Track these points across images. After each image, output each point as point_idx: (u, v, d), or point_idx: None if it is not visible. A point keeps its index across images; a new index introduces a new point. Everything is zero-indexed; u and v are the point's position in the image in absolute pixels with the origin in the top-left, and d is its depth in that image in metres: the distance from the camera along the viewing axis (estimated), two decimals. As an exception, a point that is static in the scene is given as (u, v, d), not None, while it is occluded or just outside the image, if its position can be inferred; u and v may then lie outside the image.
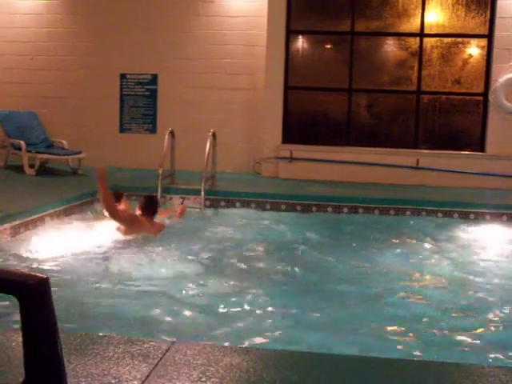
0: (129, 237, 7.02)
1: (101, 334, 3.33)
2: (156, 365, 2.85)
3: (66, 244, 6.70)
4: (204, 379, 2.73)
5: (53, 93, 12.03)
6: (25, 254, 6.28)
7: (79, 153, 10.82)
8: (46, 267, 5.90)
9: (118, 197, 7.56)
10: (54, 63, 12.04)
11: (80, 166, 10.75)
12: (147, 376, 2.75)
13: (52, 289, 1.57)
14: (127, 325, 4.49)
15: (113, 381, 2.68)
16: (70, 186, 9.43)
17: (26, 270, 5.54)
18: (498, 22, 10.72)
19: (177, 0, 11.67)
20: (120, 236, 7.07)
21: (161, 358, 2.92)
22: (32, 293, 1.52)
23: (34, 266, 5.92)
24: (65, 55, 12.02)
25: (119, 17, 11.83)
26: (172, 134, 9.80)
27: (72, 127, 11.89)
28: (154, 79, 11.93)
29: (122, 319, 4.62)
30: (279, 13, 11.10)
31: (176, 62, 11.75)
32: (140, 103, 12.02)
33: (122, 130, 12.12)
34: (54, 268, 5.90)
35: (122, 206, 7.52)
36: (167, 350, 3.02)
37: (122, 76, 12.00)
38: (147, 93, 11.98)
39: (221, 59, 11.64)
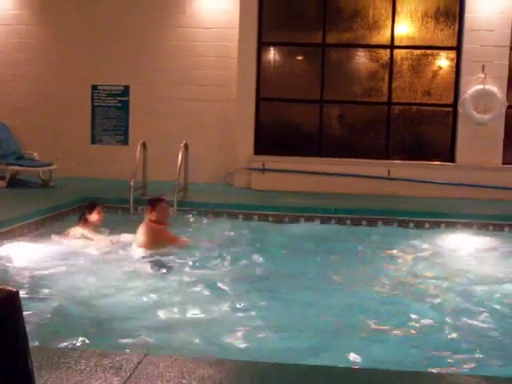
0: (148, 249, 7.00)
1: (72, 348, 3.30)
2: (128, 377, 2.84)
3: (37, 256, 6.63)
4: (177, 391, 2.72)
5: (23, 104, 11.92)
6: (-6, 267, 6.20)
7: (50, 164, 10.73)
8: (16, 280, 5.83)
9: (92, 207, 7.56)
10: (25, 74, 11.94)
11: (51, 177, 10.65)
12: (119, 389, 2.72)
13: (22, 302, 1.55)
14: (100, 337, 4.45)
15: (84, 394, 2.65)
16: (40, 198, 9.33)
17: (-5, 284, 5.46)
18: (466, 34, 10.89)
19: (149, 11, 11.65)
20: (90, 248, 7.04)
21: (133, 371, 2.91)
22: (1, 306, 1.51)
23: (4, 278, 5.84)
24: (35, 66, 11.93)
25: (90, 28, 11.78)
26: (144, 145, 9.76)
27: (43, 138, 11.78)
28: (125, 90, 11.88)
29: (94, 332, 4.58)
30: (251, 24, 11.15)
31: (148, 73, 11.73)
32: (112, 114, 11.97)
33: (94, 141, 12.04)
34: (24, 281, 5.84)
35: (95, 216, 7.51)
36: (139, 363, 3.00)
37: (94, 87, 11.94)
38: (119, 104, 11.93)
39: (193, 70, 11.64)
